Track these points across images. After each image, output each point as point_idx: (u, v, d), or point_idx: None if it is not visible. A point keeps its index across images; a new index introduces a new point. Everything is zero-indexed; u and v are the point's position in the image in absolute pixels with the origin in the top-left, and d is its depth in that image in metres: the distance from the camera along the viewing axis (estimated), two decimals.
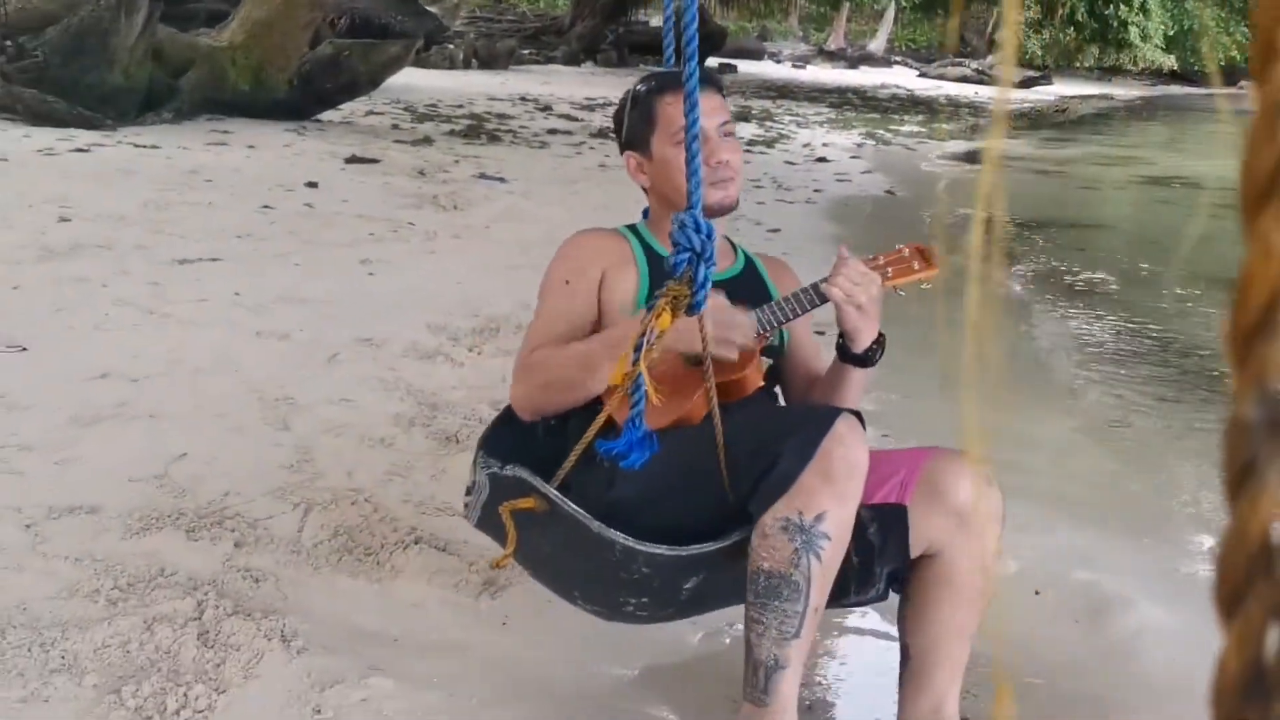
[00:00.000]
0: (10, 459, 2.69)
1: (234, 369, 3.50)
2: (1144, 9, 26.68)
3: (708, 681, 2.12)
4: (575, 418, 1.89)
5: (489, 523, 1.88)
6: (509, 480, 1.78)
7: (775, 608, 1.65)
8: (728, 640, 2.25)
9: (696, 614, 1.97)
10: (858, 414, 1.72)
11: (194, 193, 6.37)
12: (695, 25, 1.58)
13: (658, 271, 1.93)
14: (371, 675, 1.97)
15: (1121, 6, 25.99)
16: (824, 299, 1.86)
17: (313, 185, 6.85)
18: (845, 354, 1.91)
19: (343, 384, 3.45)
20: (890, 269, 1.89)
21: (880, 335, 1.90)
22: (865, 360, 1.90)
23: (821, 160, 10.87)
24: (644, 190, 2.07)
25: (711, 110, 1.93)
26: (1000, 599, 2.14)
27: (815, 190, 8.85)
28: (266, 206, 6.12)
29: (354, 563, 2.39)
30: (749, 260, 2.10)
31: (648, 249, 1.99)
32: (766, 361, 1.94)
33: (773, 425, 1.73)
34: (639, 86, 2.04)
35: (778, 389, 2.05)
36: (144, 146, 7.73)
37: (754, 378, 1.87)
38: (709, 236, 1.58)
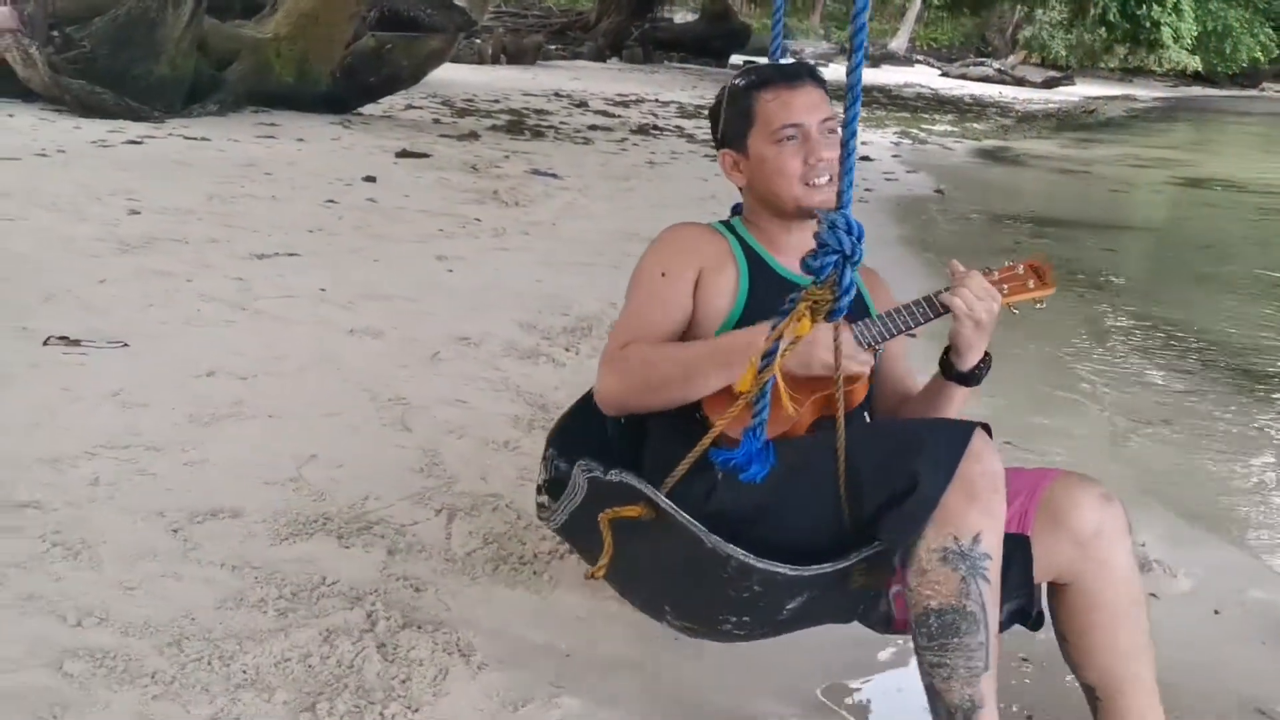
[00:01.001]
0: (140, 459, 2.61)
1: (335, 367, 3.43)
2: (1177, 9, 26.50)
3: (896, 702, 2.04)
4: (655, 419, 1.81)
5: (576, 529, 1.79)
6: (613, 485, 1.68)
7: (956, 645, 1.56)
8: (911, 662, 2.16)
9: (787, 633, 1.81)
10: (986, 426, 1.64)
11: (254, 185, 6.30)
12: (865, 16, 1.46)
13: (759, 272, 1.86)
14: (559, 694, 1.89)
15: (1155, 7, 25.79)
16: (938, 312, 1.76)
17: (371, 180, 6.77)
18: (950, 371, 1.83)
19: (452, 383, 3.38)
20: (1005, 285, 1.81)
21: (986, 354, 1.81)
22: (971, 379, 1.82)
23: (865, 159, 10.76)
24: (740, 190, 1.97)
25: (812, 106, 1.84)
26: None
27: (866, 189, 8.75)
28: (330, 201, 6.05)
29: (510, 572, 2.31)
30: None
31: (747, 249, 1.90)
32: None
33: (900, 443, 1.63)
34: (737, 81, 1.92)
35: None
36: (194, 139, 7.66)
37: (861, 391, 1.78)
38: (860, 238, 1.48)
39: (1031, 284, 1.82)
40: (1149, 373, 4.53)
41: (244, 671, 1.85)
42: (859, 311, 1.82)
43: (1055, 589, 1.76)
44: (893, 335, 1.79)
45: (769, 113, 1.84)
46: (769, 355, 1.53)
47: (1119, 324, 5.41)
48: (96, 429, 2.73)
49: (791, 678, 2.06)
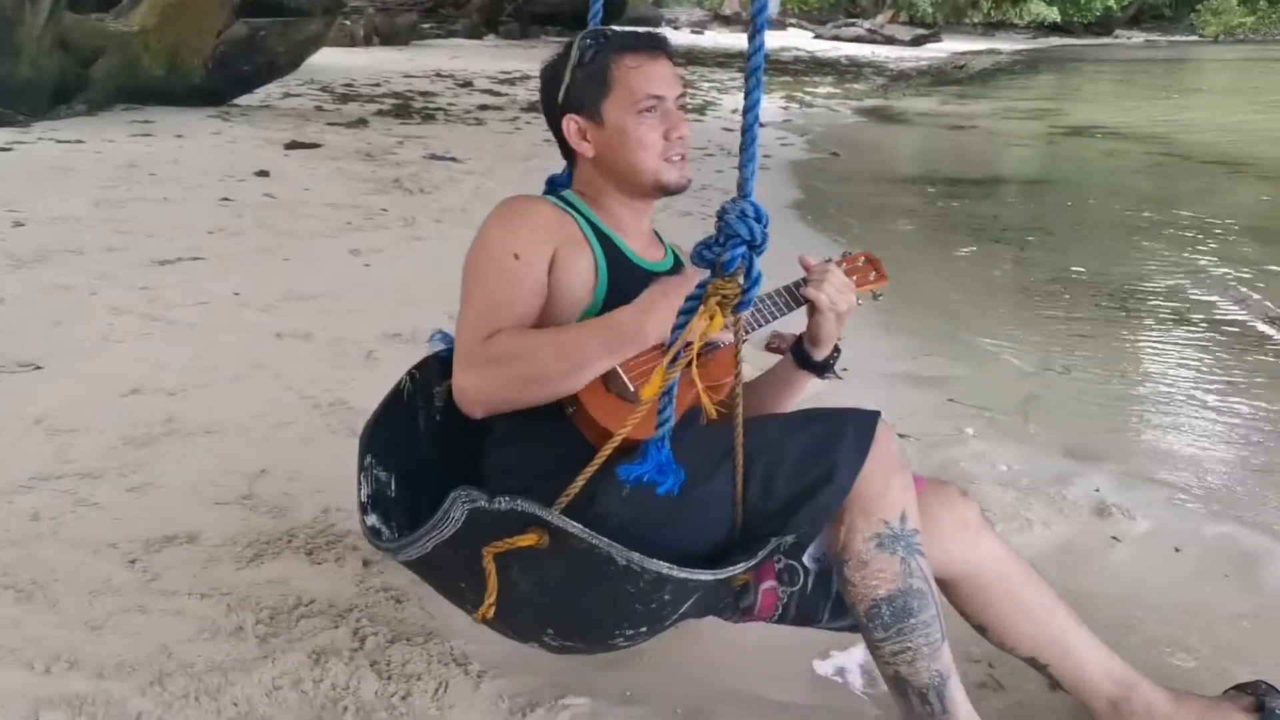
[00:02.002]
0: (78, 489, 2.47)
1: (269, 374, 3.30)
2: None
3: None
4: (501, 417, 1.68)
5: (442, 563, 1.58)
6: (500, 515, 1.47)
7: (914, 626, 1.58)
8: None
9: (663, 633, 1.72)
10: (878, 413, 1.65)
11: (141, 187, 6.02)
12: (765, 15, 1.39)
13: (615, 260, 1.75)
14: (565, 695, 1.85)
15: None
16: (800, 304, 1.77)
17: (264, 174, 6.54)
18: (805, 361, 1.84)
19: (391, 382, 3.27)
20: (853, 277, 1.83)
21: (836, 345, 1.84)
22: (825, 368, 1.85)
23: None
24: (568, 157, 1.85)
25: (672, 79, 1.78)
26: None
27: (765, 155, 8.81)
28: (226, 199, 5.82)
29: None
30: (675, 255, 1.92)
31: (598, 232, 1.77)
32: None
33: (810, 436, 1.60)
34: (588, 42, 1.78)
35: None
36: (67, 142, 7.28)
37: (728, 385, 1.70)
38: (767, 225, 1.40)
39: (871, 276, 1.87)
40: (1070, 322, 4.67)
41: (235, 704, 1.76)
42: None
43: (949, 589, 1.76)
44: (761, 325, 1.78)
45: (631, 81, 1.74)
46: (676, 358, 1.43)
47: (1035, 277, 5.56)
48: (26, 460, 2.58)
49: (789, 653, 2.06)
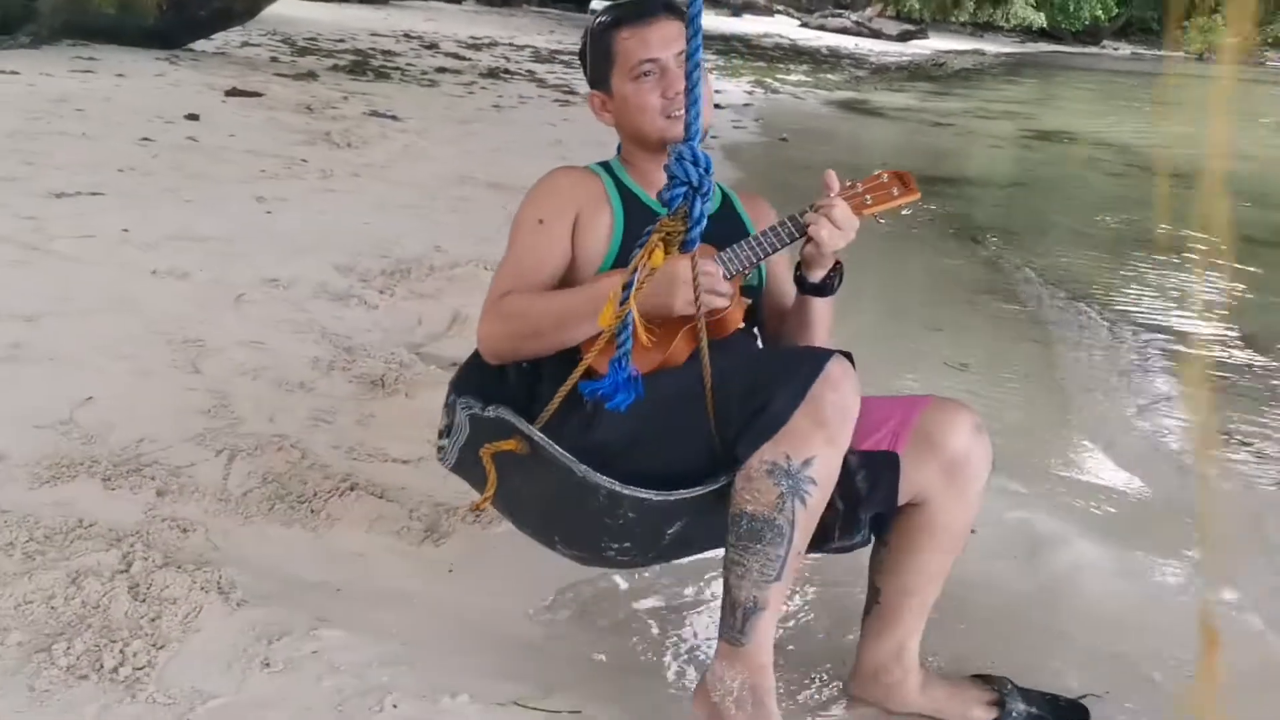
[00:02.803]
0: None
1: (133, 310, 3.30)
2: None
3: (652, 624, 2.09)
4: (548, 363, 1.82)
5: (466, 466, 1.80)
6: (490, 421, 1.71)
7: (757, 550, 1.61)
8: (667, 580, 2.22)
9: (679, 558, 1.90)
10: (849, 355, 1.66)
11: (64, 122, 5.98)
12: None
13: (634, 211, 1.87)
14: (320, 627, 1.88)
15: None
16: (802, 232, 1.78)
17: (194, 118, 6.49)
18: (803, 284, 1.87)
19: (253, 326, 3.29)
20: (869, 196, 1.82)
21: (838, 263, 1.85)
22: (824, 289, 1.86)
23: (717, 107, 10.83)
24: (615, 129, 1.96)
25: (670, 39, 1.84)
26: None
27: (712, 136, 8.80)
28: (146, 139, 5.78)
29: (287, 511, 2.28)
30: (725, 196, 2.02)
31: (622, 188, 1.91)
32: (746, 300, 1.89)
33: (762, 367, 1.68)
34: (597, 21, 1.92)
35: (755, 329, 1.99)
36: (2, 73, 7.20)
37: (735, 316, 1.81)
38: (707, 169, 1.52)
39: (896, 191, 1.83)
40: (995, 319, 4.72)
41: None
42: (739, 236, 1.82)
43: (909, 506, 1.78)
44: (759, 260, 1.80)
45: (626, 50, 1.86)
46: (627, 288, 1.56)
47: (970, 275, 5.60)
48: None
49: (544, 605, 2.10)
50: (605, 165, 1.97)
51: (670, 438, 1.69)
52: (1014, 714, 1.85)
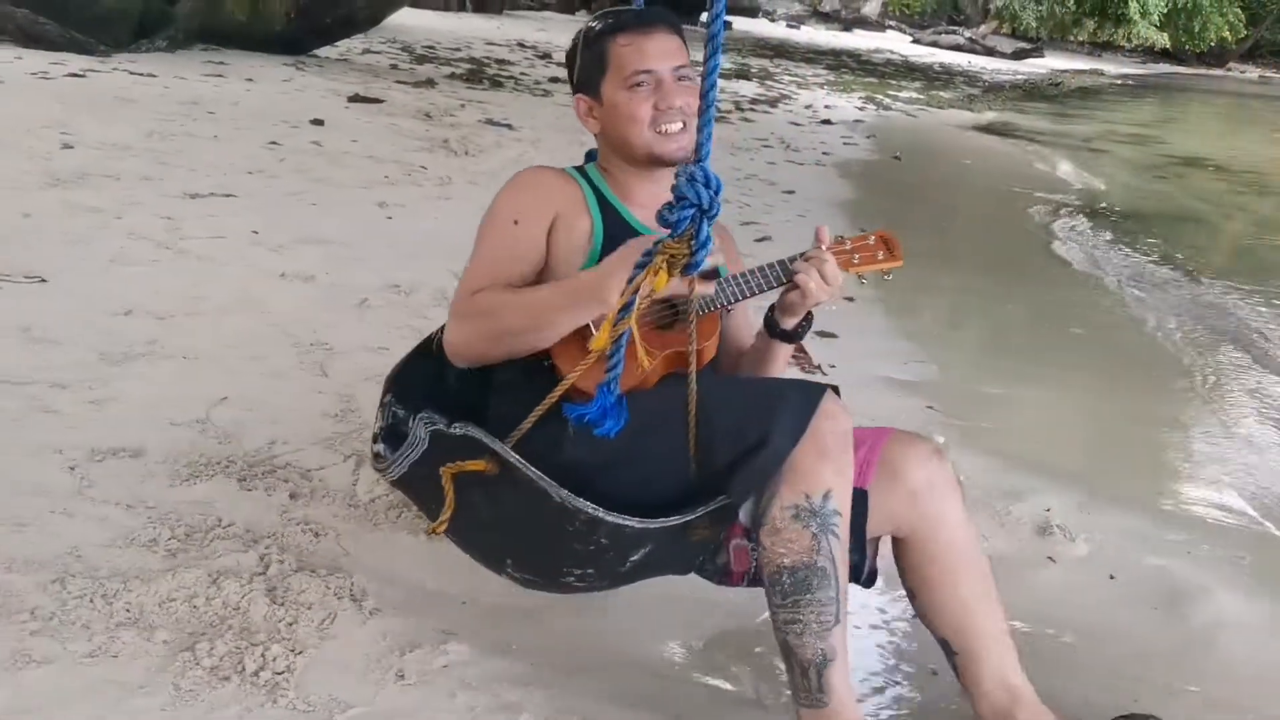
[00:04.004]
0: (43, 396, 2.56)
1: (260, 310, 3.38)
2: None
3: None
4: (501, 368, 1.78)
5: (414, 482, 1.74)
6: (455, 439, 1.64)
7: (809, 601, 1.58)
8: None
9: (625, 584, 1.82)
10: (835, 388, 1.68)
11: (196, 124, 6.17)
12: None
13: (613, 226, 1.82)
14: (449, 640, 1.89)
15: None
16: (789, 280, 1.77)
17: (319, 123, 6.66)
18: (774, 329, 1.85)
19: (376, 330, 3.34)
20: (857, 255, 1.84)
21: (808, 313, 1.84)
22: (794, 336, 1.86)
23: (826, 123, 10.74)
24: (595, 136, 1.92)
25: (667, 53, 1.82)
26: None
27: (823, 153, 8.73)
28: (274, 143, 5.94)
29: (413, 520, 2.29)
30: None
31: (601, 199, 1.85)
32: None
33: (754, 402, 1.65)
34: (591, 25, 1.89)
35: None
36: (140, 75, 7.48)
37: (711, 349, 1.79)
38: (717, 192, 1.47)
39: (881, 255, 1.85)
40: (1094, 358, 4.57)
41: (126, 610, 1.82)
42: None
43: (898, 545, 1.80)
44: (745, 298, 1.80)
45: (622, 58, 1.82)
46: (625, 309, 1.51)
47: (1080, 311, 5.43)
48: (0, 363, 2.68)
49: (676, 628, 2.07)
50: (581, 170, 1.92)
51: (647, 462, 1.65)
52: None
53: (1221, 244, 7.27)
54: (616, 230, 1.82)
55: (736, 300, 1.80)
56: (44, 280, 3.31)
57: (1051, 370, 4.11)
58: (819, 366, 3.50)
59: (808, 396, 1.62)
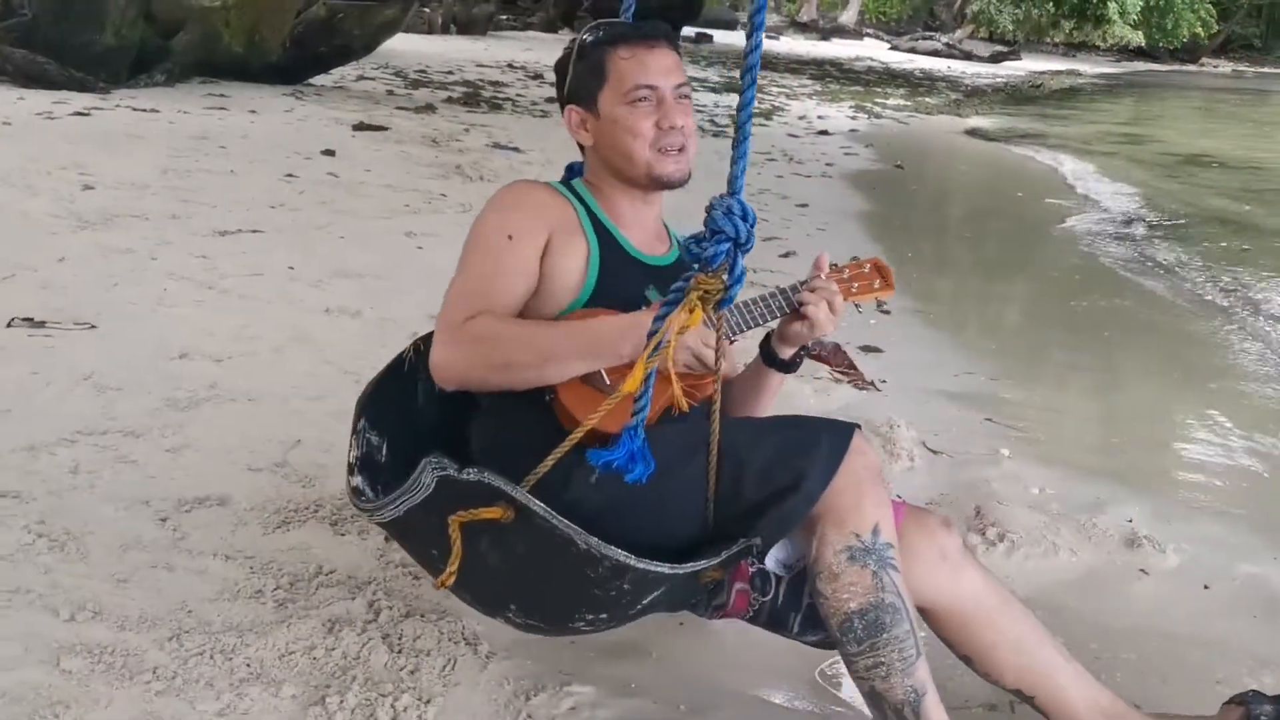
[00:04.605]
0: (119, 445, 2.54)
1: (313, 348, 3.36)
2: None
3: None
4: (491, 395, 1.71)
5: (410, 527, 1.63)
6: (468, 485, 1.51)
7: (886, 640, 1.57)
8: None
9: (630, 624, 1.75)
10: (858, 425, 1.68)
11: (209, 159, 6.15)
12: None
13: (609, 250, 1.77)
14: (571, 682, 1.87)
15: None
16: (794, 310, 1.75)
17: (330, 153, 6.64)
18: (770, 358, 1.83)
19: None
20: (855, 284, 1.84)
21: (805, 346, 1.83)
22: (791, 367, 1.85)
23: (823, 133, 10.79)
24: (580, 147, 1.85)
25: (670, 69, 1.77)
26: None
27: (827, 164, 8.77)
28: (290, 175, 5.92)
29: None
30: (681, 244, 1.90)
31: (595, 221, 1.79)
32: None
33: (784, 441, 1.62)
34: (586, 36, 1.81)
35: None
36: (143, 110, 7.45)
37: (710, 382, 1.68)
38: (752, 224, 1.41)
39: (877, 284, 1.85)
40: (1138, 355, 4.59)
41: (248, 665, 1.80)
42: None
43: (931, 620, 1.77)
44: (751, 328, 1.77)
45: (623, 71, 1.75)
46: (657, 347, 1.43)
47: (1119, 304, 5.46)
48: (72, 414, 2.65)
49: (792, 658, 2.05)
50: (569, 186, 1.84)
51: (663, 504, 1.60)
52: (1261, 717, 1.73)
53: (1265, 242, 7.26)
54: (612, 257, 1.78)
55: (741, 332, 1.77)
56: (94, 326, 3.28)
57: (1101, 376, 4.13)
58: (872, 383, 3.50)
59: (839, 437, 1.61)
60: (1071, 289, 5.62)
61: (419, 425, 1.75)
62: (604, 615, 1.62)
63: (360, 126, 7.78)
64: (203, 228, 4.62)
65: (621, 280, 1.76)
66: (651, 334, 1.43)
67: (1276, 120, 19.60)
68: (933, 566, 1.72)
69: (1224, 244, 7.03)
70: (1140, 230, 7.35)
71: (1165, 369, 4.37)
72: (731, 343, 1.80)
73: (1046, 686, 1.73)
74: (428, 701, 1.76)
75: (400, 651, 1.88)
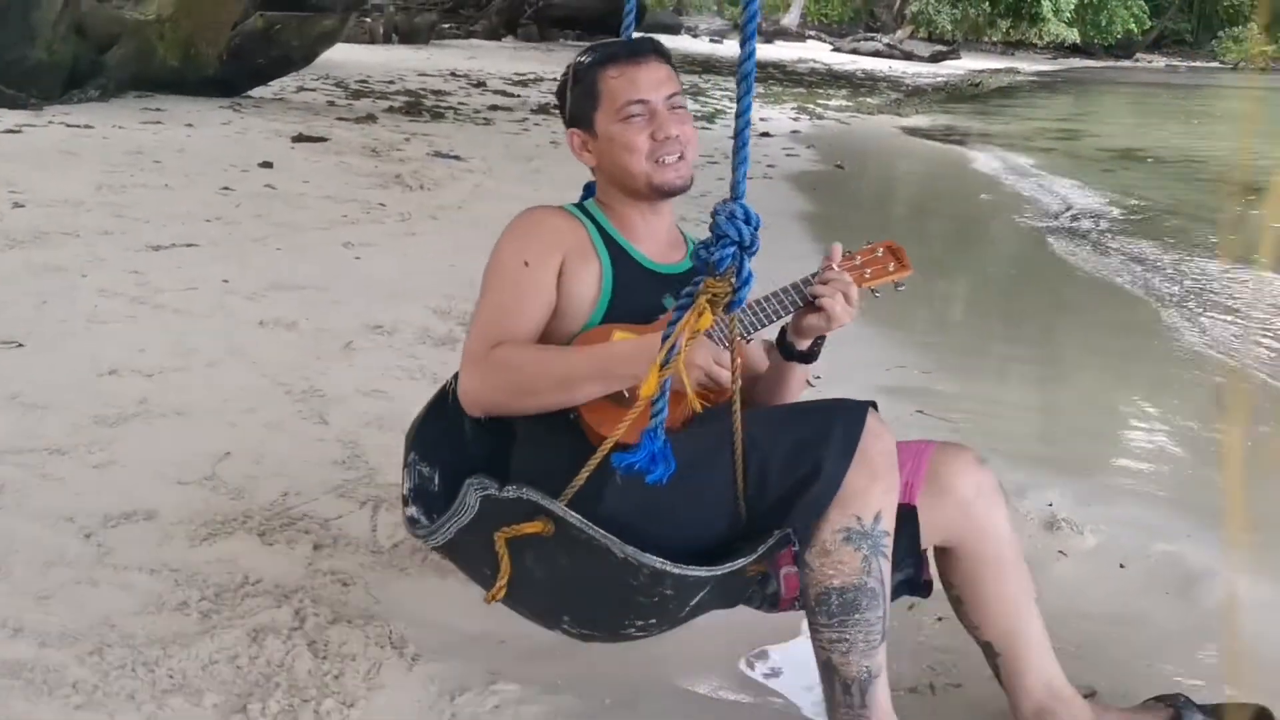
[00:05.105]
0: (44, 464, 2.52)
1: (247, 361, 3.34)
2: None
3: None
4: (523, 420, 1.77)
5: (462, 547, 1.71)
6: (509, 502, 1.60)
7: (857, 620, 1.61)
8: None
9: (680, 625, 1.80)
10: (873, 404, 1.68)
11: (145, 174, 6.09)
12: (756, 5, 1.46)
13: (621, 264, 1.83)
14: (496, 681, 1.89)
15: None
16: (809, 303, 1.78)
17: (267, 165, 6.60)
18: (789, 351, 1.85)
19: (367, 374, 3.32)
20: (869, 270, 1.85)
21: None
22: (810, 357, 1.86)
23: (765, 135, 10.88)
24: (591, 171, 1.92)
25: (658, 82, 1.83)
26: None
27: (769, 166, 8.85)
28: (226, 188, 5.88)
29: (439, 562, 2.27)
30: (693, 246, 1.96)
31: (606, 237, 1.85)
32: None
33: (801, 430, 1.64)
34: (581, 59, 1.89)
35: None
36: (77, 126, 7.36)
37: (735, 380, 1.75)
38: (757, 228, 1.46)
39: (891, 267, 1.86)
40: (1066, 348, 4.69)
41: (170, 676, 1.80)
42: None
43: (942, 555, 1.83)
44: (764, 325, 1.80)
45: (614, 89, 1.82)
46: (670, 353, 1.48)
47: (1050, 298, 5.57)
48: None
49: (716, 649, 2.09)
50: (581, 208, 1.91)
51: (695, 506, 1.64)
52: None
53: (1199, 234, 7.44)
54: (626, 271, 1.83)
55: (756, 329, 1.80)
56: (21, 345, 3.24)
57: (1036, 367, 4.22)
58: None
59: (853, 419, 1.62)
60: (1009, 282, 5.74)
61: (469, 454, 1.80)
62: (653, 620, 1.68)
63: (299, 138, 7.74)
64: (136, 243, 4.58)
65: (636, 292, 1.82)
66: (666, 337, 1.48)
67: (1207, 113, 20.03)
68: (970, 501, 1.76)
69: (1158, 236, 7.19)
70: (1077, 224, 7.51)
71: (1098, 359, 4.47)
72: (747, 341, 1.82)
73: (1016, 651, 1.78)
74: (351, 705, 1.77)
75: (325, 657, 1.89)
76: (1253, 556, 2.49)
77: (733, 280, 1.47)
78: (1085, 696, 1.98)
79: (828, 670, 1.65)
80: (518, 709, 1.82)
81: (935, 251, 6.79)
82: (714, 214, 1.47)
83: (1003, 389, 4.01)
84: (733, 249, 1.46)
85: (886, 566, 1.62)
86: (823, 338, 1.86)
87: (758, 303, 1.79)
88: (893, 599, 1.78)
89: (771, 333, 1.89)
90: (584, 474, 1.60)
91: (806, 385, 1.96)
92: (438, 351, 3.59)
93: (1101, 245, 6.78)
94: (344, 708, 1.76)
